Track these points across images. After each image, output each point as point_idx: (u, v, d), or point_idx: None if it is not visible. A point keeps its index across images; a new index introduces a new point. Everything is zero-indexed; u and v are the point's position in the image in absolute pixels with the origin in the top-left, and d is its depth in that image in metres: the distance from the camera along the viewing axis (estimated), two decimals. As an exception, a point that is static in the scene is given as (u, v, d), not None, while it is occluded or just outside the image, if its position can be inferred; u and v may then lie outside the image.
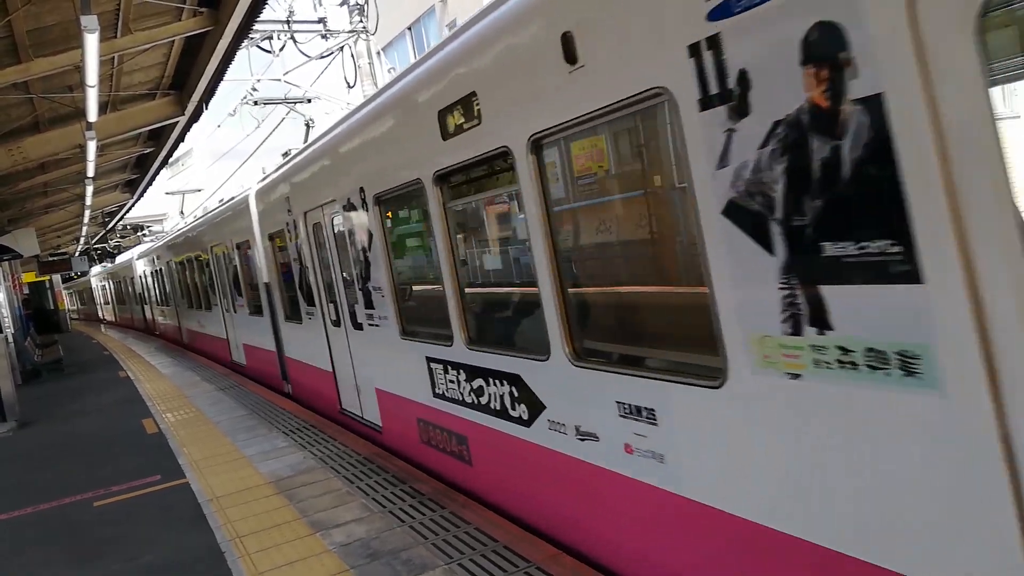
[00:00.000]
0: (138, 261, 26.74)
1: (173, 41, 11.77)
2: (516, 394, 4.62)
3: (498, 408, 4.88)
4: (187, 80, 13.94)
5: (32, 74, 10.74)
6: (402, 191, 5.77)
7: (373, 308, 6.76)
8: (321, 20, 14.29)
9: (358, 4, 14.32)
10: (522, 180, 4.09)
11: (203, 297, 16.21)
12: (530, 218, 4.10)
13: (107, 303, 42.88)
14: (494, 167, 4.83)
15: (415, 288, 6.51)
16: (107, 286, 40.59)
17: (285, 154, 10.71)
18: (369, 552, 4.83)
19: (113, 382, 15.71)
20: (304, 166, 8.21)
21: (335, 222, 7.41)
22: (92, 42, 7.97)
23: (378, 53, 18.24)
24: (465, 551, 4.62)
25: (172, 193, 26.52)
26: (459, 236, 5.48)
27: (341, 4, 14.73)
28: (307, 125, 14.69)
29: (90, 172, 15.41)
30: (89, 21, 7.48)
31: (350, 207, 6.77)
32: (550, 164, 4.13)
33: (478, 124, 4.43)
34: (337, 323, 7.99)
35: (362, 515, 5.51)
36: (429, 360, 5.77)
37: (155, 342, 23.95)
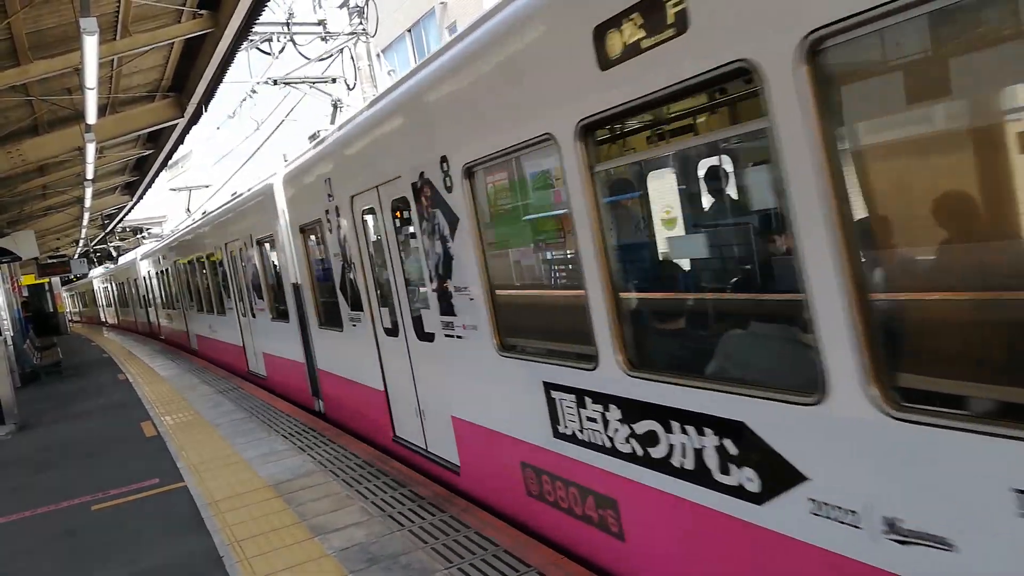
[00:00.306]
0: (142, 262, 25.53)
1: (172, 43, 11.76)
2: (734, 452, 3.10)
3: (689, 468, 3.34)
4: (186, 82, 13.93)
5: (31, 76, 10.71)
6: (513, 155, 4.30)
7: (453, 314, 5.22)
8: (321, 22, 14.28)
9: (358, 6, 14.31)
10: (778, 114, 2.59)
11: (215, 300, 14.82)
12: (793, 176, 2.59)
13: (109, 306, 41.82)
14: (697, 104, 3.42)
15: (526, 289, 5.05)
16: (109, 288, 39.33)
17: (313, 136, 9.56)
18: (368, 556, 4.80)
19: (112, 385, 15.67)
20: (353, 140, 6.68)
21: (398, 206, 5.95)
22: (91, 44, 7.95)
23: (378, 55, 18.24)
24: (465, 555, 4.59)
25: (177, 189, 25.95)
26: (614, 213, 3.93)
27: (341, 6, 14.72)
28: (335, 106, 14.02)
29: (89, 174, 15.38)
30: (88, 23, 7.45)
31: (423, 184, 5.23)
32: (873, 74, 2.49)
33: (677, 34, 2.94)
34: (393, 332, 6.51)
35: (361, 519, 5.48)
36: (550, 387, 4.26)
37: (156, 345, 23.84)
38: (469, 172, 4.67)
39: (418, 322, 5.97)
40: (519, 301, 4.97)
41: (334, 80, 14.08)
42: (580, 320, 3.86)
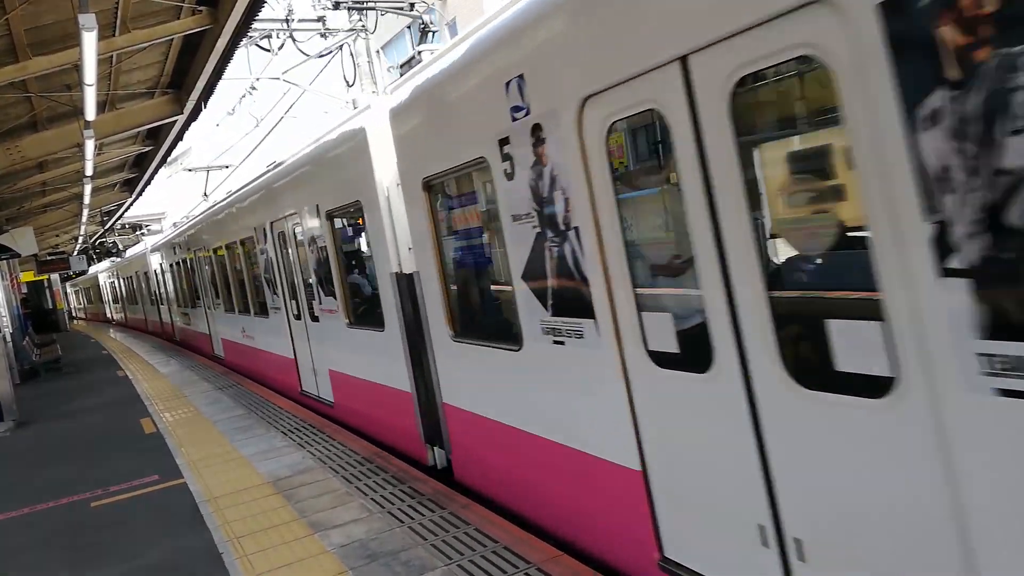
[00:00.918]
0: (153, 254, 22.78)
1: (171, 40, 11.75)
2: None
3: None
4: (186, 79, 13.92)
5: (30, 73, 10.71)
6: None
7: None
8: (320, 19, 14.26)
9: (357, 2, 14.28)
10: None
11: (252, 297, 12.03)
12: None
13: (116, 303, 39.33)
14: None
15: None
16: (116, 284, 36.52)
17: (407, 63, 6.86)
18: (368, 553, 4.80)
19: (111, 381, 15.67)
20: None
21: (763, 89, 3.17)
22: (90, 41, 7.94)
23: (377, 52, 18.21)
24: (465, 552, 4.60)
25: (194, 170, 25.21)
26: None
27: (336, 7, 14.66)
28: (423, 31, 11.64)
29: (88, 171, 15.38)
30: (87, 20, 7.45)
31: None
32: None
33: None
34: (687, 362, 3.40)
35: (361, 516, 5.48)
36: None
37: (161, 344, 23.66)
38: None
39: (802, 351, 3.01)
40: None
41: (412, 5, 12.75)
42: None
